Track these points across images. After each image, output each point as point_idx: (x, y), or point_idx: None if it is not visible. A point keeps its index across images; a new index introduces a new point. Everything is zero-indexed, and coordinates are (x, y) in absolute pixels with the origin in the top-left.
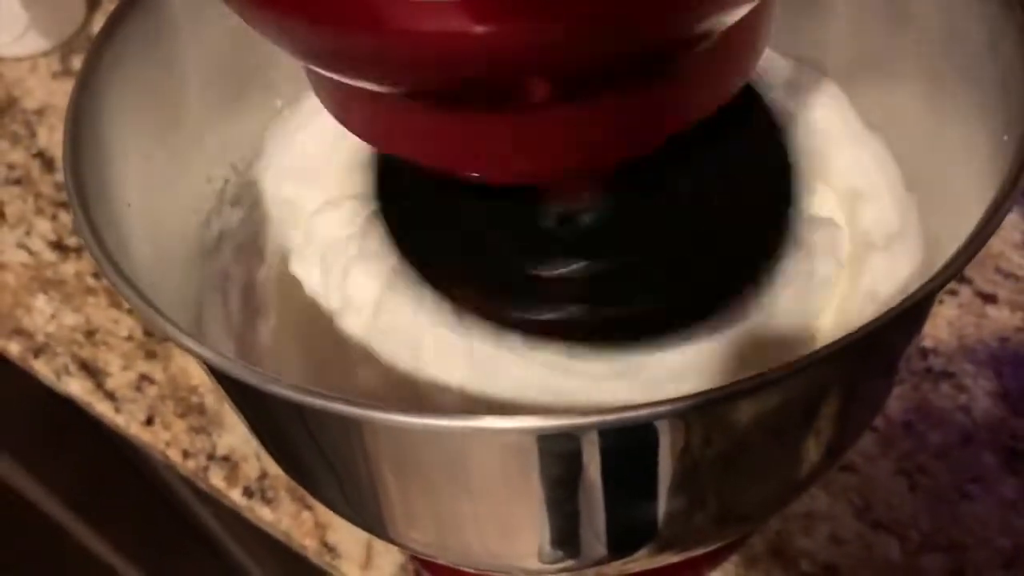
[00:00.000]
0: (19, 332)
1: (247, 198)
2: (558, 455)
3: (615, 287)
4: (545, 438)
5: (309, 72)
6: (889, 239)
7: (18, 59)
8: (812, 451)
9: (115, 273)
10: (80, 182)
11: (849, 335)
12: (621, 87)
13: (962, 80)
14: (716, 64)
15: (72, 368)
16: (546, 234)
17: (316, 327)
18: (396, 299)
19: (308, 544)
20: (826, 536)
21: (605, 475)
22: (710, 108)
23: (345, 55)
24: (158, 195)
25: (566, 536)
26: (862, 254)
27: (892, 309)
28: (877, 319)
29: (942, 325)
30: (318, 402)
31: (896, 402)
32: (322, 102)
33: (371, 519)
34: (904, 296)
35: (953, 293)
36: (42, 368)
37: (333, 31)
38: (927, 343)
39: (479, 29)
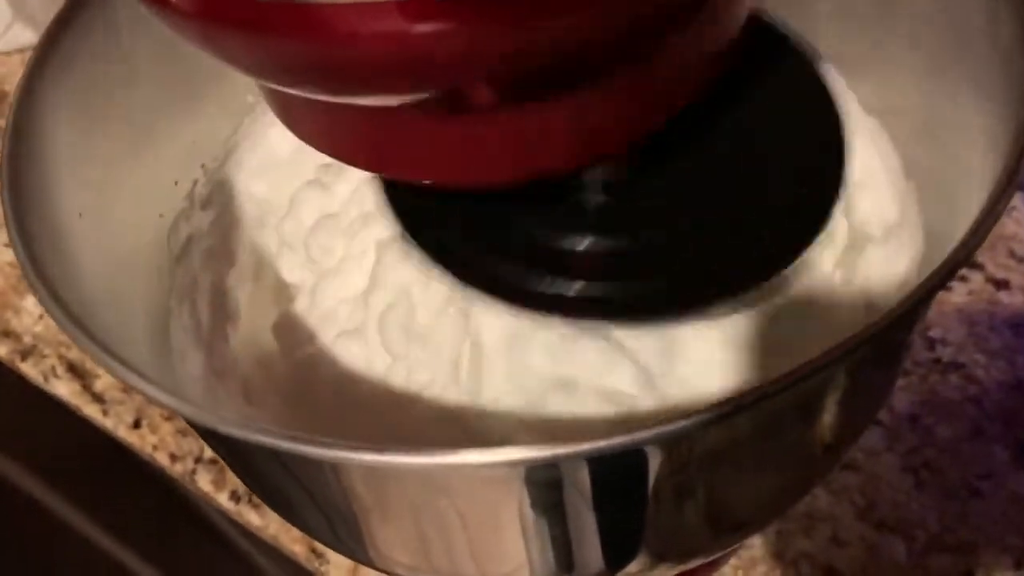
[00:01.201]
0: (7, 334)
1: (218, 199)
2: (545, 483)
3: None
4: (531, 469)
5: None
6: (887, 230)
7: (6, 53)
8: (811, 455)
9: (56, 307)
10: (18, 198)
11: (846, 342)
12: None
13: (960, 64)
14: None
15: (60, 370)
16: (577, 207)
17: (293, 327)
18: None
19: (297, 550)
20: (827, 537)
21: (596, 499)
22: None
23: (287, 67)
24: (118, 202)
25: (559, 555)
26: (859, 245)
27: (891, 311)
28: (874, 324)
29: (951, 313)
30: (293, 446)
31: (902, 394)
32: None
33: (354, 548)
34: (903, 295)
35: (963, 279)
36: (30, 370)
37: (272, 43)
38: (935, 332)
39: (415, 29)
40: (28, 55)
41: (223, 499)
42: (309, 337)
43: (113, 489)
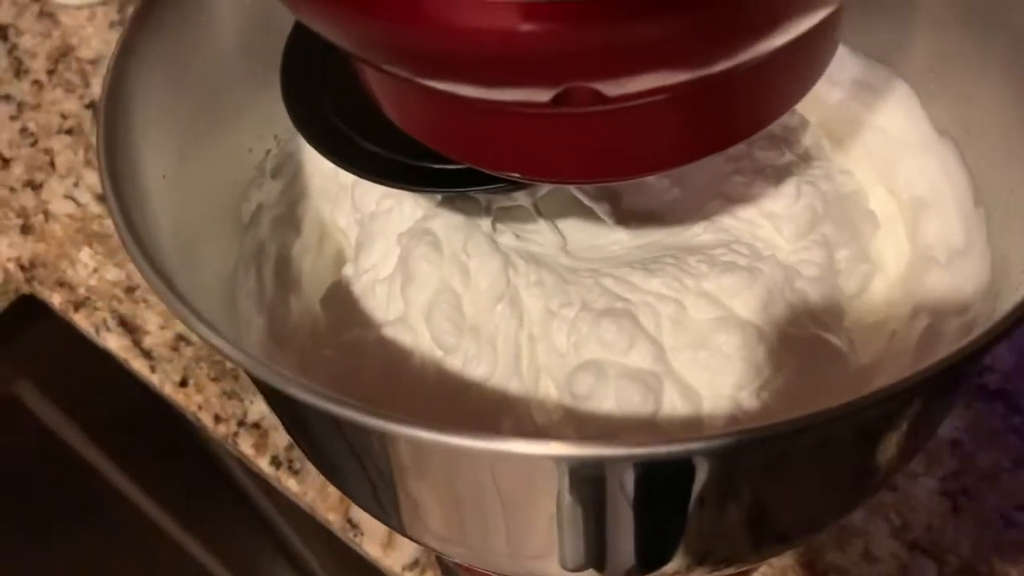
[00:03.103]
0: (62, 284)
1: (288, 169)
2: (588, 479)
3: None
4: (576, 465)
5: (362, 72)
6: (952, 255)
7: (77, 7)
8: (861, 476)
9: (143, 261)
10: (113, 157)
11: (910, 378)
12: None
13: None
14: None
15: (111, 323)
16: None
17: (339, 303)
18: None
19: (332, 519)
20: (859, 553)
21: (637, 500)
22: (769, 118)
23: (402, 51)
24: (198, 166)
25: (591, 548)
26: (921, 270)
27: (960, 350)
28: (940, 362)
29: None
30: (347, 412)
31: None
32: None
33: (389, 514)
34: (973, 336)
35: None
36: (82, 321)
37: (389, 28)
38: (985, 359)
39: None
40: (96, 10)
41: (264, 463)
42: (355, 318)
43: (153, 448)
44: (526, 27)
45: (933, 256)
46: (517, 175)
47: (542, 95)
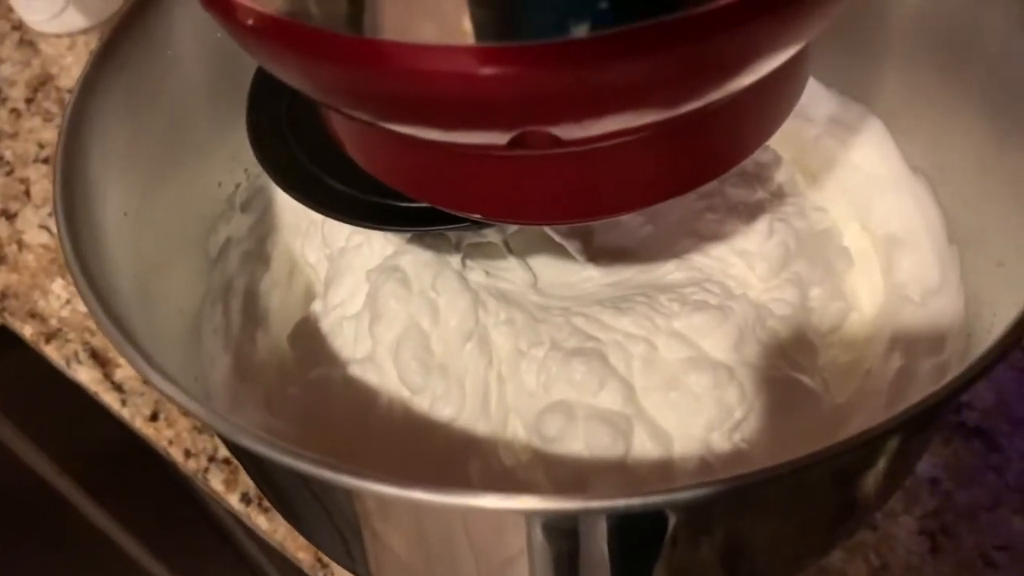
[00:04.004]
0: (33, 315)
1: (258, 204)
2: (561, 530)
3: None
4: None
5: (324, 113)
6: (926, 293)
7: (57, 36)
8: (836, 518)
9: (96, 304)
10: (70, 192)
11: (887, 422)
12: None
13: (1019, 130)
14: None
15: (82, 356)
16: None
17: (305, 339)
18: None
19: (302, 557)
20: None
21: (611, 550)
22: (736, 160)
23: (357, 94)
24: (163, 202)
25: None
26: (896, 307)
27: (934, 394)
28: (914, 406)
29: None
30: (313, 470)
31: (924, 457)
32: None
33: (359, 567)
34: (947, 380)
35: None
36: (53, 353)
37: (341, 71)
38: (963, 397)
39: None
40: (77, 39)
41: (234, 500)
42: (323, 355)
43: (126, 479)
44: (480, 70)
45: (907, 294)
46: (478, 216)
47: (499, 138)
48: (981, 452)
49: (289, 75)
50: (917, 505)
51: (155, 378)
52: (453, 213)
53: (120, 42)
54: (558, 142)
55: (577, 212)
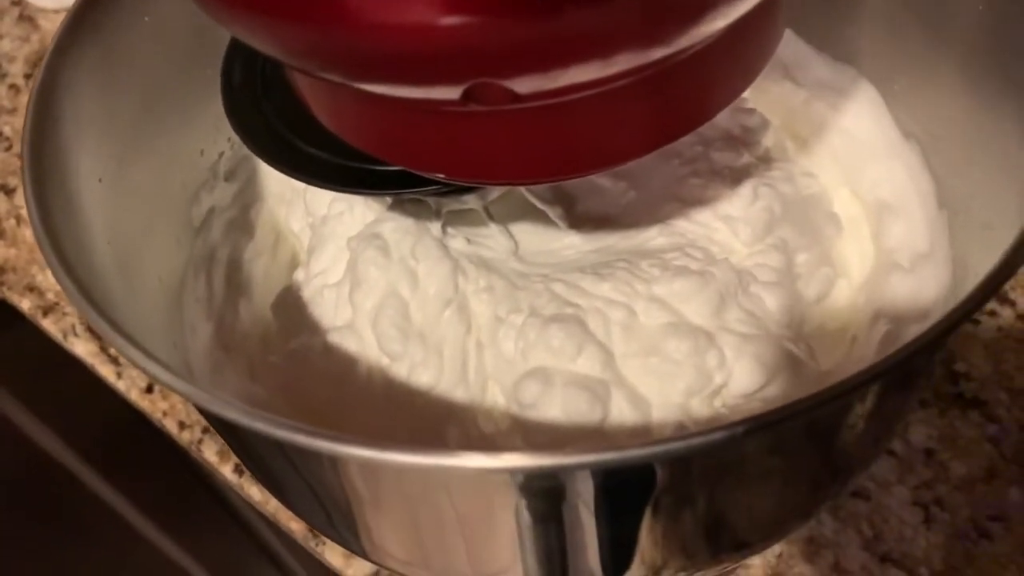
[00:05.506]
0: (31, 289)
1: (242, 172)
2: (545, 490)
3: None
4: (531, 476)
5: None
6: (915, 259)
7: (56, 11)
8: (818, 479)
9: (61, 271)
10: (39, 161)
11: (861, 373)
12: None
13: (1007, 93)
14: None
15: (79, 329)
16: None
17: (288, 308)
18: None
19: (295, 528)
20: (829, 565)
21: (595, 509)
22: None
23: (319, 54)
24: (140, 168)
25: (553, 560)
26: (884, 274)
27: (909, 344)
28: (891, 356)
29: (977, 349)
30: (292, 437)
31: (919, 427)
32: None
33: (349, 539)
34: (924, 327)
35: (992, 314)
36: (50, 327)
37: (306, 30)
38: (959, 367)
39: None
40: None
41: (227, 471)
42: (304, 324)
43: (128, 451)
44: (426, 19)
45: (896, 260)
46: (441, 175)
47: (451, 92)
48: (978, 423)
49: (244, 33)
50: (911, 475)
51: (112, 335)
52: (418, 174)
53: (94, 4)
54: (513, 96)
55: (542, 171)
